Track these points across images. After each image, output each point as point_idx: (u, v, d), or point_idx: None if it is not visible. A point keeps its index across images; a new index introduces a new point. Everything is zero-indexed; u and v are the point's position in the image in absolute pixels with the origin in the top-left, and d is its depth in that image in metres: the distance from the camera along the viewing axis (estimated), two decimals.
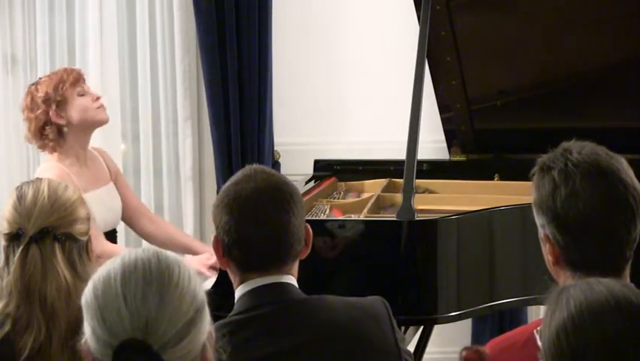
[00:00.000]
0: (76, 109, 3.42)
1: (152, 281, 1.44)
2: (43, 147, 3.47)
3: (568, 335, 1.39)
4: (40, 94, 3.42)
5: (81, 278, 2.10)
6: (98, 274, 1.47)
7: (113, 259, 1.48)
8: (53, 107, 3.40)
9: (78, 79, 3.47)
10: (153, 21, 4.46)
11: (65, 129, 3.43)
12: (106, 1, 4.40)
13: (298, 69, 4.51)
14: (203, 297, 1.49)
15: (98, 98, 3.49)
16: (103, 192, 3.49)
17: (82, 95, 3.45)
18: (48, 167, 3.42)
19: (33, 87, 3.48)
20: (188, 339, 1.43)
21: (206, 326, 1.48)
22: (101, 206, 3.39)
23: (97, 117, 3.48)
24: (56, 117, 3.41)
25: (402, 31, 4.24)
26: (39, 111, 3.42)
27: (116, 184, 3.59)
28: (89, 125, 3.49)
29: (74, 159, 3.46)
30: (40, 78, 3.54)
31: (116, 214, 3.54)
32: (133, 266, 1.45)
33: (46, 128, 3.42)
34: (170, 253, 1.50)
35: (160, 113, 4.49)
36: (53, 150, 3.45)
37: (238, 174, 2.10)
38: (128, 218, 3.64)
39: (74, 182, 3.28)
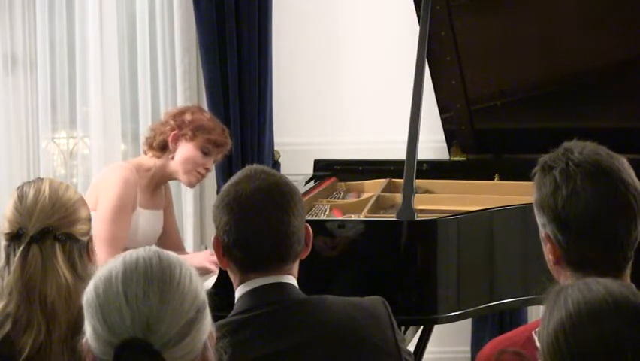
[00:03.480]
0: (186, 154, 3.45)
1: (153, 280, 1.43)
2: (146, 142, 3.52)
3: (566, 335, 1.39)
4: (189, 117, 3.46)
5: (81, 278, 2.10)
6: (100, 273, 1.47)
7: (114, 259, 1.48)
8: (182, 132, 3.43)
9: (221, 145, 3.49)
10: (153, 21, 4.46)
11: (168, 152, 3.45)
12: (106, 1, 4.40)
13: (298, 69, 4.52)
14: (204, 297, 1.48)
15: (206, 170, 3.50)
16: (151, 215, 3.51)
17: (203, 153, 3.45)
18: (119, 166, 3.47)
19: (197, 109, 3.55)
20: (189, 339, 1.43)
21: (207, 326, 1.48)
22: (146, 225, 3.46)
23: (184, 177, 3.48)
24: (172, 138, 3.44)
25: (402, 31, 4.24)
26: (174, 122, 3.46)
27: (164, 212, 3.62)
28: (174, 175, 3.51)
29: (149, 175, 3.48)
30: (206, 113, 3.59)
31: (152, 238, 3.55)
32: (134, 265, 1.45)
33: (162, 134, 3.46)
34: (171, 253, 1.50)
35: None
36: (144, 152, 3.50)
37: (238, 174, 2.10)
38: (158, 246, 3.64)
39: (135, 192, 3.37)
